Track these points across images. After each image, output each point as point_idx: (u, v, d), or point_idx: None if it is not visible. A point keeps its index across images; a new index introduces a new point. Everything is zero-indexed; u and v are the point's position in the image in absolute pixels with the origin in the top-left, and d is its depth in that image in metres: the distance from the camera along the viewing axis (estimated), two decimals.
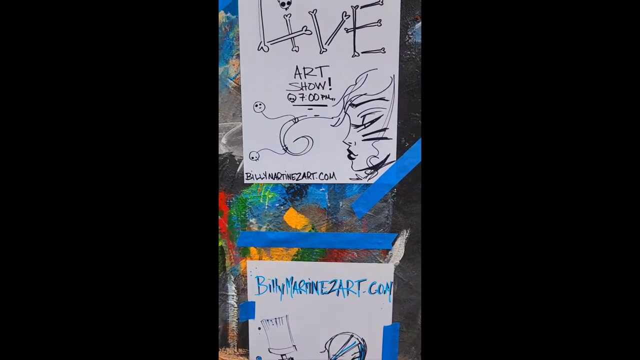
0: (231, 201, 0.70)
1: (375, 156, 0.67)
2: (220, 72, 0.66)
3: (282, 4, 0.64)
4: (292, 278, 0.72)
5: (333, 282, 0.72)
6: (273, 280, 0.72)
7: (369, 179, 0.68)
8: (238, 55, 0.66)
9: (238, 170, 0.69)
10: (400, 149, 0.67)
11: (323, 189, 0.69)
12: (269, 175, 0.69)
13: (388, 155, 0.67)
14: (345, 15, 0.64)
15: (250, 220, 0.71)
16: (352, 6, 0.63)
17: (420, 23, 0.63)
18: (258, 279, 0.72)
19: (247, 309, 0.74)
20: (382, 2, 0.63)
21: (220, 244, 0.72)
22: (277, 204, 0.70)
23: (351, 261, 0.71)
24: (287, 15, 0.64)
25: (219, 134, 0.68)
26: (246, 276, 0.72)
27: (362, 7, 0.63)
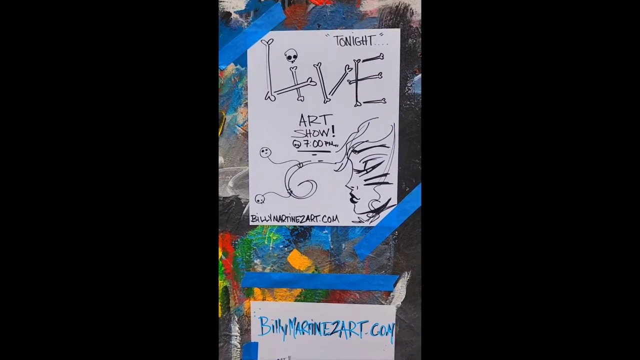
0: (236, 242, 0.70)
1: (376, 200, 0.67)
2: (228, 119, 0.67)
3: (289, 58, 0.66)
4: (295, 319, 0.70)
5: (335, 324, 0.70)
6: (276, 321, 0.70)
7: (371, 221, 0.68)
8: (246, 104, 0.67)
9: (244, 212, 0.69)
10: (401, 193, 0.67)
11: (326, 231, 0.68)
12: (274, 217, 0.69)
13: (389, 199, 0.67)
14: (348, 68, 0.65)
15: (255, 261, 0.70)
16: (354, 60, 0.65)
17: (419, 76, 0.65)
18: (262, 320, 0.71)
19: (250, 350, 0.71)
20: (382, 56, 0.65)
21: (224, 284, 0.71)
22: (281, 246, 0.69)
23: (353, 302, 0.69)
24: (293, 68, 0.66)
25: (227, 177, 0.68)
26: (250, 316, 0.71)
27: (364, 61, 0.65)
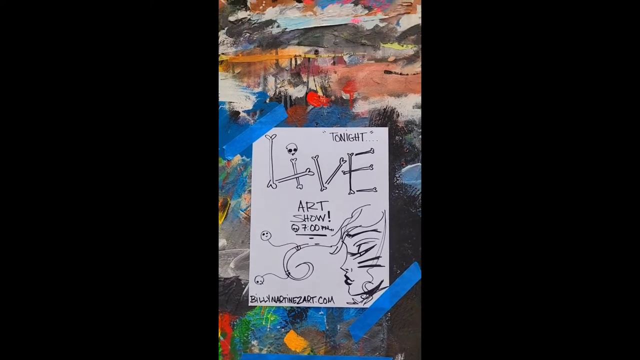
0: (235, 323, 0.68)
1: (370, 282, 0.67)
2: (233, 205, 0.69)
3: (290, 151, 0.69)
4: None
5: None
6: None
7: (365, 303, 0.67)
8: (250, 191, 0.69)
9: (243, 293, 0.68)
10: (393, 276, 0.67)
11: (322, 312, 0.67)
12: (272, 298, 0.67)
13: (382, 281, 0.67)
14: (343, 160, 0.69)
15: (252, 342, 0.67)
16: (348, 153, 0.69)
17: (406, 167, 0.68)
18: None
19: None
20: (373, 150, 0.69)
21: None
22: (278, 326, 0.67)
23: None
24: (293, 159, 0.69)
25: (228, 259, 0.68)
26: None
27: (356, 154, 0.69)
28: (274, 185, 0.70)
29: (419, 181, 0.69)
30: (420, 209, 0.68)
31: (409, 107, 0.70)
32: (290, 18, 0.73)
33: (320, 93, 0.71)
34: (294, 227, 0.69)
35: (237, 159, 0.70)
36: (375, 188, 0.69)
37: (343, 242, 0.68)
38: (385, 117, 0.70)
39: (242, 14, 0.73)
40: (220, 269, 0.68)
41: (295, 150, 0.70)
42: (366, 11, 0.72)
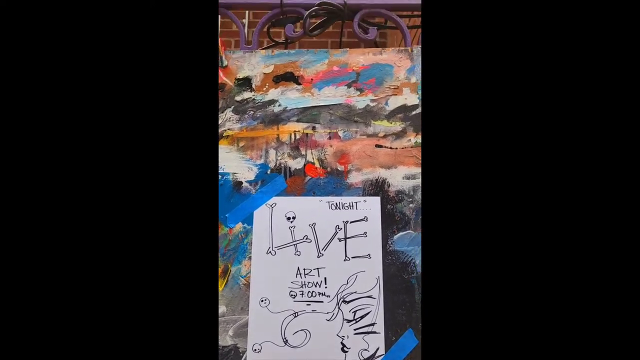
0: None
1: (366, 349, 0.66)
2: (233, 271, 0.69)
3: (288, 218, 0.71)
4: None
5: None
6: None
7: None
8: (250, 258, 0.69)
9: None
10: (388, 343, 0.66)
11: None
12: None
13: (377, 349, 0.66)
14: (338, 228, 0.71)
15: None
16: (343, 221, 0.71)
17: (398, 235, 0.70)
18: None
19: None
20: (366, 218, 0.71)
21: None
22: None
23: None
24: (291, 227, 0.71)
25: (227, 326, 0.67)
26: None
27: (351, 222, 0.71)
28: (273, 252, 0.70)
29: (411, 248, 0.70)
30: (413, 275, 0.69)
31: (399, 177, 0.73)
32: (291, 98, 0.78)
33: (317, 165, 0.75)
34: (291, 293, 0.68)
35: (239, 226, 0.71)
36: (369, 255, 0.70)
37: (339, 308, 0.68)
38: (377, 187, 0.73)
39: (247, 94, 0.78)
40: (219, 337, 0.66)
41: (293, 218, 0.72)
42: (358, 93, 0.78)
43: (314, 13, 0.84)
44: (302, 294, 0.68)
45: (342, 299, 0.68)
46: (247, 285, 0.69)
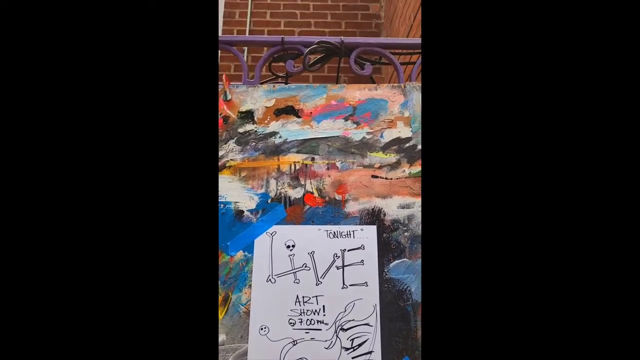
0: None
1: None
2: (234, 299, 0.70)
3: (288, 247, 0.72)
4: None
5: None
6: None
7: None
8: (250, 286, 0.70)
9: None
10: None
11: None
12: None
13: None
14: (336, 256, 0.72)
15: None
16: (341, 249, 0.72)
17: (393, 263, 0.72)
18: None
19: None
20: (363, 247, 0.72)
21: None
22: None
23: None
24: (291, 255, 0.72)
25: (227, 355, 0.67)
26: None
27: (349, 250, 0.72)
28: (273, 280, 0.71)
29: (406, 275, 0.71)
30: (409, 302, 0.70)
31: (394, 207, 0.75)
32: (291, 130, 0.81)
33: (316, 194, 0.76)
34: (290, 321, 0.69)
35: (239, 254, 0.72)
36: (366, 282, 0.71)
37: (337, 336, 0.68)
38: (373, 217, 0.75)
39: (249, 127, 0.81)
40: None
41: (293, 246, 0.73)
42: (355, 126, 0.81)
43: (313, 50, 0.88)
44: (301, 321, 0.69)
45: (340, 327, 0.69)
46: (247, 313, 0.69)
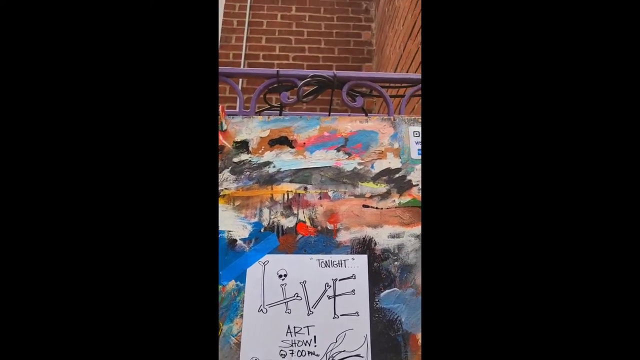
0: None
1: None
2: (225, 330, 0.68)
3: (280, 276, 0.72)
4: None
5: None
6: None
7: None
8: (242, 316, 0.69)
9: None
10: None
11: None
12: None
13: None
14: (328, 286, 0.72)
15: None
16: (332, 279, 0.72)
17: (383, 292, 0.72)
18: None
19: None
20: (354, 276, 0.73)
21: None
22: None
23: None
24: (283, 285, 0.71)
25: None
26: None
27: (340, 280, 0.72)
28: (264, 310, 0.70)
29: (397, 305, 0.71)
30: (399, 333, 0.69)
31: (385, 236, 0.76)
32: (284, 160, 0.82)
33: (308, 223, 0.77)
34: (282, 352, 0.68)
35: (231, 284, 0.72)
36: (357, 312, 0.71)
37: None
38: (364, 246, 0.75)
39: (244, 156, 0.82)
40: None
41: (285, 275, 0.72)
42: (346, 156, 0.83)
43: (307, 82, 0.90)
44: (292, 353, 0.68)
45: (331, 358, 0.68)
46: (238, 344, 0.68)
